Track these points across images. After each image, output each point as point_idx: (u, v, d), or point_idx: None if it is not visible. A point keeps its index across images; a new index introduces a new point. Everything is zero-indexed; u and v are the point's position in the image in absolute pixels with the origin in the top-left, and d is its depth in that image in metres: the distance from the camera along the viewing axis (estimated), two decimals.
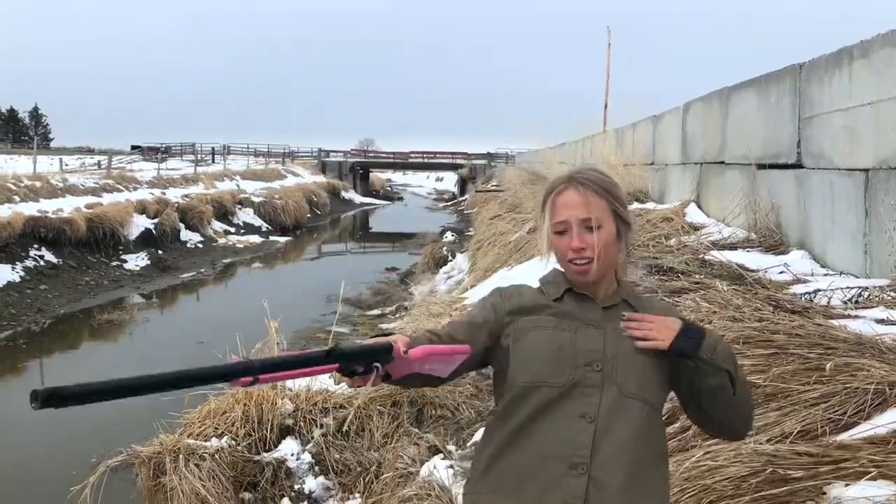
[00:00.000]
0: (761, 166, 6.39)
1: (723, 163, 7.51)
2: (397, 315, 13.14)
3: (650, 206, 9.31)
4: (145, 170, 32.89)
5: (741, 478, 2.28)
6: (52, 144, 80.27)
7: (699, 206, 8.08)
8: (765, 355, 3.02)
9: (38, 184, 20.98)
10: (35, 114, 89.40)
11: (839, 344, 2.99)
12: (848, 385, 2.60)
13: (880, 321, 3.33)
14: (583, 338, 1.78)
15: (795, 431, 2.48)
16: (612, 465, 1.65)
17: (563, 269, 1.86)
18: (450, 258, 17.37)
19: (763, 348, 3.08)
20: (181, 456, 4.73)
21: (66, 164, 30.98)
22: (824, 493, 2.06)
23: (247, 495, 4.90)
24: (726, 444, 2.53)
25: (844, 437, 2.40)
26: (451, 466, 4.62)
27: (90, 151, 64.05)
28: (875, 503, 1.92)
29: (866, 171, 4.55)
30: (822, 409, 2.55)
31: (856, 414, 2.48)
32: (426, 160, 63.68)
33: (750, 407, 1.83)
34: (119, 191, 24.35)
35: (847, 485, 2.04)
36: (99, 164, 36.19)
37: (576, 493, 1.64)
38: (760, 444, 2.45)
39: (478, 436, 5.23)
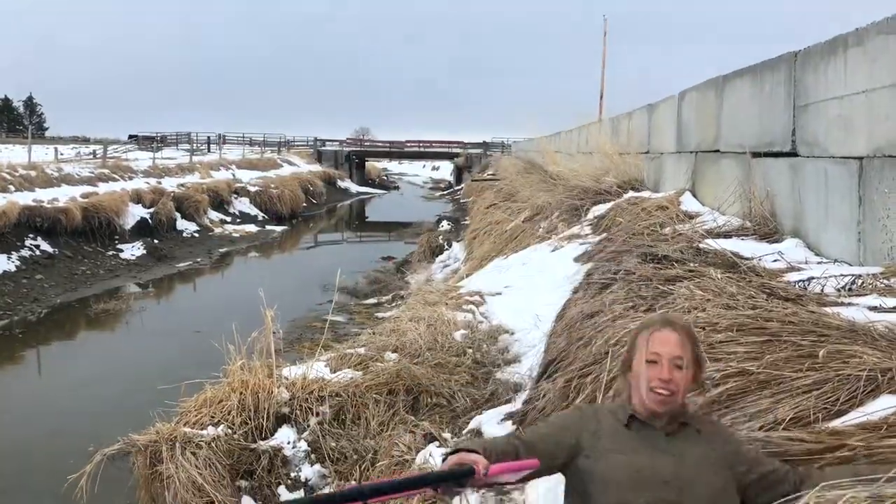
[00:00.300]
0: (756, 155, 6.39)
1: (718, 151, 7.51)
2: (393, 304, 13.16)
3: (645, 194, 9.32)
4: (141, 159, 32.81)
5: None
6: (47, 134, 79.90)
7: (694, 195, 8.09)
8: (758, 342, 3.04)
9: (33, 173, 20.91)
10: (29, 103, 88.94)
11: (832, 331, 3.00)
12: (840, 372, 2.61)
13: (873, 308, 3.34)
14: (658, 462, 2.07)
15: (788, 418, 2.49)
16: None
17: (636, 398, 2.18)
18: (446, 247, 17.39)
19: (756, 335, 3.09)
20: (178, 444, 4.74)
21: (62, 154, 30.86)
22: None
23: (243, 483, 4.92)
24: None
25: (837, 423, 2.42)
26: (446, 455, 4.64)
27: (86, 141, 63.75)
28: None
29: (860, 159, 4.56)
30: (814, 395, 2.56)
31: (848, 401, 2.50)
32: (422, 149, 63.56)
33: None
34: (115, 180, 24.28)
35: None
36: (94, 153, 36.06)
37: None
38: (753, 430, 2.47)
39: (473, 423, 5.25)
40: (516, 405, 5.24)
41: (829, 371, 2.65)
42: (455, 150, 59.29)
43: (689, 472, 2.04)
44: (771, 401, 2.62)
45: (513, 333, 7.53)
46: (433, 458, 4.49)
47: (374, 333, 7.53)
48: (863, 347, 2.76)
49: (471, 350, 7.04)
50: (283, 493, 4.99)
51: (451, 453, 2.11)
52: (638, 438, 2.14)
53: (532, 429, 2.36)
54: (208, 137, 56.38)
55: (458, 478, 1.96)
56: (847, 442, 2.26)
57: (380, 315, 11.82)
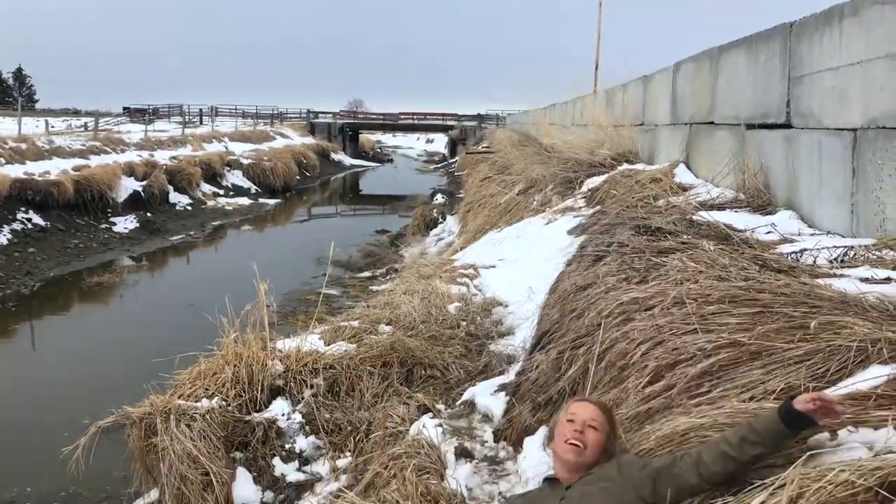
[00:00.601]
0: (750, 126, 6.37)
1: (712, 123, 7.48)
2: (388, 277, 13.17)
3: (639, 166, 9.30)
4: (133, 132, 32.56)
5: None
6: (37, 106, 79.10)
7: (688, 167, 8.07)
8: (750, 314, 3.04)
9: (23, 146, 20.75)
10: (19, 74, 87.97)
11: (824, 302, 3.01)
12: (831, 343, 2.62)
13: (865, 280, 3.35)
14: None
15: (779, 389, 2.50)
16: None
17: (554, 461, 2.69)
18: (440, 220, 17.37)
19: (749, 307, 3.10)
20: (172, 416, 4.76)
21: (52, 126, 30.58)
22: (806, 448, 2.10)
23: (238, 455, 4.95)
24: (710, 405, 2.57)
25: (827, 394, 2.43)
26: (440, 425, 4.67)
27: (76, 113, 63.20)
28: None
29: (855, 130, 4.54)
30: (805, 366, 2.58)
31: (838, 371, 2.51)
32: (416, 122, 63.24)
33: None
34: (107, 153, 24.12)
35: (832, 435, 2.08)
36: (86, 125, 35.75)
37: None
38: (744, 401, 2.48)
39: (467, 395, 5.28)
40: (509, 377, 5.27)
41: (821, 342, 2.66)
42: (449, 123, 59.01)
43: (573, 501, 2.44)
44: (762, 372, 2.64)
45: (506, 306, 7.56)
46: (427, 429, 4.52)
47: (368, 306, 7.55)
48: (854, 318, 2.77)
49: (465, 322, 7.06)
50: (278, 465, 5.02)
51: None
52: (548, 490, 2.64)
53: None
54: (200, 110, 55.94)
55: None
56: None
57: (374, 288, 11.84)
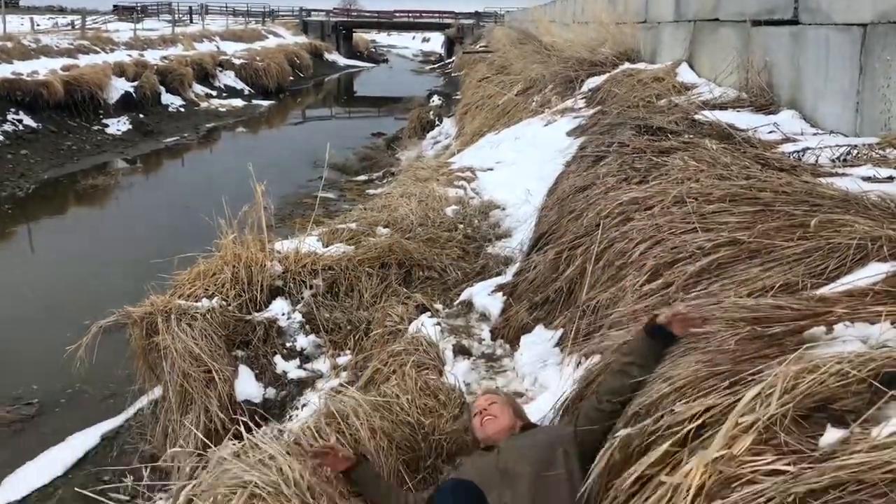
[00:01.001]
0: (756, 23, 6.19)
1: (717, 20, 7.27)
2: (384, 181, 13.09)
3: (641, 66, 9.09)
4: (121, 30, 31.61)
5: (722, 333, 2.34)
6: (21, 3, 76.51)
7: (691, 66, 7.89)
8: (750, 212, 3.03)
9: (9, 44, 20.18)
10: None
11: (825, 201, 3.00)
12: (831, 241, 2.62)
13: (867, 178, 3.32)
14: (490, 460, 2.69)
15: (777, 286, 2.52)
16: None
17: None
18: (437, 123, 17.14)
19: (749, 205, 3.09)
20: (172, 316, 4.80)
21: (38, 24, 29.70)
22: (802, 342, 2.12)
23: (239, 353, 5.03)
24: (709, 298, 2.58)
25: (824, 290, 2.44)
26: (439, 324, 4.73)
27: (62, 11, 61.26)
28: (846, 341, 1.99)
29: (864, 25, 4.41)
30: (804, 264, 2.58)
31: (837, 268, 2.52)
32: (412, 20, 61.43)
33: None
34: (95, 52, 23.52)
35: (828, 329, 2.10)
36: (73, 24, 34.68)
37: None
38: (741, 297, 2.50)
39: (464, 295, 5.33)
40: (507, 277, 5.31)
41: (821, 240, 2.65)
42: (446, 21, 57.36)
43: (512, 455, 2.61)
44: (760, 269, 2.64)
45: (504, 209, 7.54)
46: (425, 327, 4.58)
47: (365, 209, 7.53)
48: (855, 217, 2.76)
49: (462, 225, 7.06)
50: (279, 362, 5.11)
51: None
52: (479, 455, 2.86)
53: None
54: (190, 7, 54.19)
55: None
56: (833, 309, 2.29)
57: (371, 192, 11.77)
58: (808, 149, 4.00)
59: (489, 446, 2.81)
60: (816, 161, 3.83)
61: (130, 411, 5.51)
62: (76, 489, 4.64)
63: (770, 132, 4.71)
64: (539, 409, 3.31)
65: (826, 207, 2.93)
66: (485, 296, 5.12)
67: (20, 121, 16.67)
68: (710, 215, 3.13)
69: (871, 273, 2.41)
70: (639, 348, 2.44)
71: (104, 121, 19.33)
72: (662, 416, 2.25)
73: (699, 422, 2.13)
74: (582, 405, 2.65)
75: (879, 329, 2.11)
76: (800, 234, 2.76)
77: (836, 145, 3.93)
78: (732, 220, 3.03)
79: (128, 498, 3.98)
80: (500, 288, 5.10)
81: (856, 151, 3.81)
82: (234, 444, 2.88)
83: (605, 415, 2.47)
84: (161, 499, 3.25)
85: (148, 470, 3.17)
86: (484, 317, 4.98)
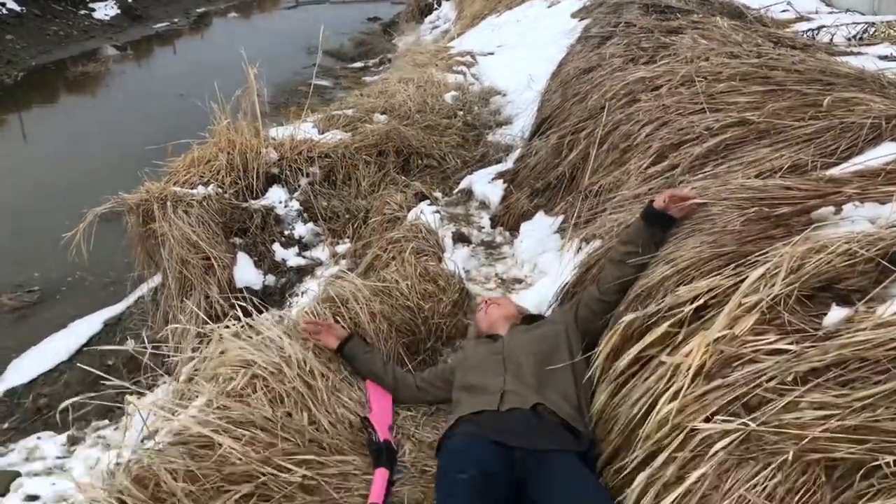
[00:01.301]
0: None
1: None
2: (381, 68, 12.75)
3: None
4: None
5: (729, 214, 2.29)
6: None
7: None
8: (761, 92, 2.93)
9: None
10: None
11: (839, 79, 2.89)
12: (844, 120, 2.53)
13: (884, 57, 3.20)
14: (493, 348, 2.67)
15: (785, 167, 2.45)
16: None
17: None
18: (435, 6, 16.57)
19: (760, 85, 2.98)
20: (168, 203, 4.73)
21: None
22: (809, 223, 2.07)
23: (237, 240, 4.99)
24: (715, 180, 2.52)
25: (834, 171, 2.38)
26: (438, 212, 4.68)
27: None
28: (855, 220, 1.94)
29: None
30: (814, 144, 2.51)
31: (848, 148, 2.45)
32: None
33: None
34: None
35: (836, 209, 2.05)
36: None
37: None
38: (749, 178, 2.43)
39: (464, 183, 5.26)
40: (507, 164, 5.23)
41: (833, 119, 2.57)
42: None
43: (515, 343, 2.60)
44: (769, 150, 2.57)
45: (505, 95, 7.36)
46: (424, 215, 4.53)
47: (361, 95, 7.34)
48: (870, 95, 2.67)
49: (462, 112, 6.91)
50: (278, 250, 5.09)
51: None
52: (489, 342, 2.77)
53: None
54: None
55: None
56: (842, 189, 2.24)
57: (367, 79, 11.48)
58: (822, 27, 3.85)
59: (492, 335, 2.77)
60: (831, 40, 3.68)
61: (131, 298, 5.53)
62: (81, 366, 4.70)
63: (783, 10, 4.52)
64: (538, 295, 3.30)
65: (840, 86, 2.82)
66: (485, 183, 5.05)
67: (3, 4, 16.06)
68: (719, 95, 3.03)
69: (883, 153, 2.33)
70: (637, 236, 2.41)
71: (91, 4, 18.63)
72: (664, 298, 2.23)
73: (701, 302, 2.11)
74: (582, 294, 2.64)
75: (890, 209, 2.06)
76: (811, 114, 2.67)
77: (853, 23, 3.77)
78: (742, 99, 2.93)
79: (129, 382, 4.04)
80: (500, 175, 5.03)
81: (873, 30, 3.66)
82: (234, 324, 2.88)
83: (606, 305, 2.48)
84: (162, 375, 3.30)
85: (150, 349, 3.18)
86: (484, 205, 4.93)
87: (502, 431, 2.22)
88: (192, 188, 4.98)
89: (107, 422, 4.16)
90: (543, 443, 2.19)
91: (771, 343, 1.83)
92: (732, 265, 2.14)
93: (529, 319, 2.86)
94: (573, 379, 2.43)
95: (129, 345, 4.35)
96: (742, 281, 2.01)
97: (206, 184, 5.05)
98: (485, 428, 2.26)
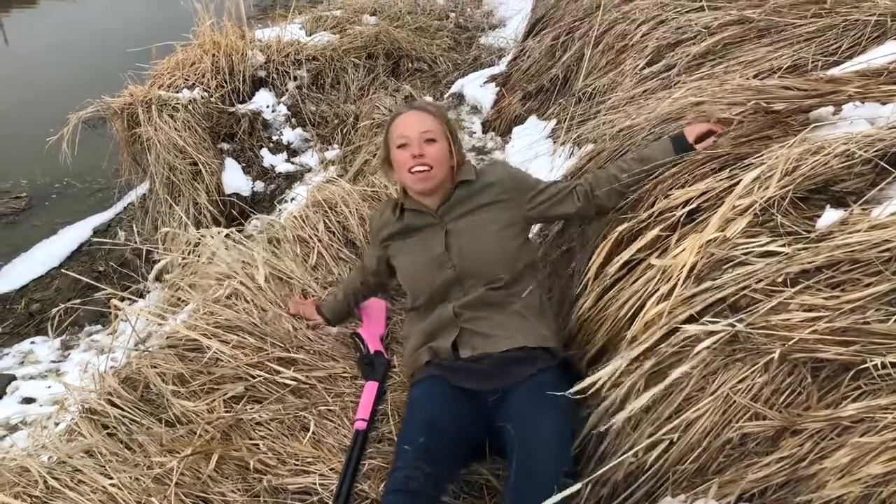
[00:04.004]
0: None
1: None
2: None
3: None
4: None
5: (726, 107, 2.23)
6: None
7: None
8: None
9: None
10: None
11: None
12: (848, 17, 2.44)
13: None
14: (431, 248, 2.20)
15: (785, 66, 2.38)
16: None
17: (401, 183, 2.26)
18: None
19: None
20: (153, 107, 4.63)
21: None
22: (807, 123, 2.02)
23: (225, 146, 4.92)
24: (711, 80, 2.45)
25: (835, 71, 2.31)
26: None
27: None
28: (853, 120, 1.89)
29: None
30: (816, 43, 2.42)
31: (851, 48, 2.36)
32: None
33: None
34: None
35: (835, 109, 1.99)
36: None
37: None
38: (747, 78, 2.36)
39: (455, 87, 5.14)
40: (500, 67, 5.10)
41: (836, 17, 2.47)
42: None
43: (459, 241, 2.18)
44: (769, 49, 2.49)
45: None
46: None
47: None
48: None
49: (453, 14, 6.73)
50: (267, 156, 5.02)
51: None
52: (410, 229, 2.27)
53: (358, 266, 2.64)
54: None
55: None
56: (842, 88, 2.17)
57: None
58: None
59: (419, 209, 2.26)
60: None
61: (119, 205, 5.48)
62: (72, 273, 4.70)
63: None
64: None
65: None
66: (476, 87, 4.94)
67: None
68: None
69: (887, 52, 2.25)
70: (659, 157, 2.19)
71: None
72: (655, 202, 2.19)
73: (694, 206, 2.08)
74: (573, 187, 2.27)
75: (891, 109, 2.00)
76: (814, 12, 2.57)
77: None
78: None
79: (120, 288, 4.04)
80: (492, 78, 4.91)
81: None
82: (221, 231, 2.85)
83: (593, 206, 2.27)
84: (154, 284, 3.29)
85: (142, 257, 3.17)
86: (475, 109, 4.84)
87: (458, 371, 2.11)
88: (177, 92, 4.87)
89: (99, 327, 4.18)
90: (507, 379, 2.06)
91: (762, 245, 1.81)
92: (727, 169, 2.10)
93: (463, 179, 2.26)
94: (538, 296, 2.22)
95: (121, 237, 4.34)
96: (736, 184, 1.98)
97: (191, 87, 4.93)
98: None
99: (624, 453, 1.76)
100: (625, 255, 2.17)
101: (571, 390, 1.89)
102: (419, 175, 2.15)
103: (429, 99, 5.23)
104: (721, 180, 2.05)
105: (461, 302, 2.15)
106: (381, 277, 2.48)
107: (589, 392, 1.90)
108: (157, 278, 2.83)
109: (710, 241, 1.90)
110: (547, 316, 2.20)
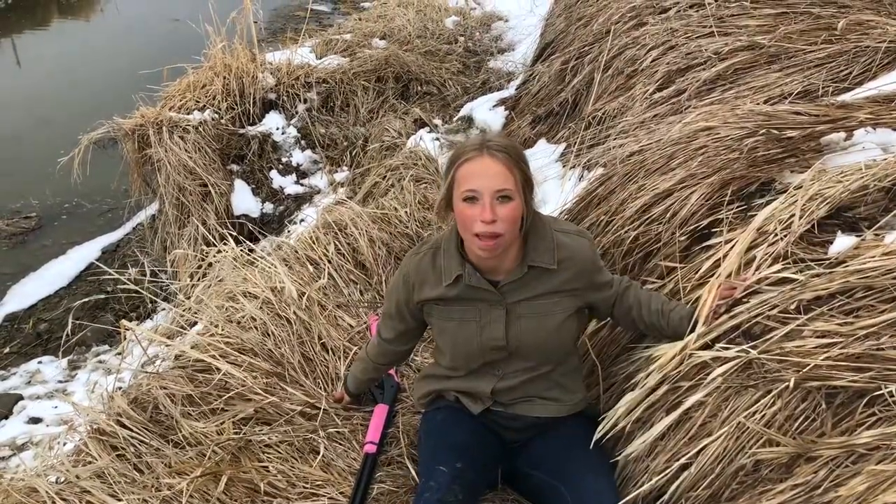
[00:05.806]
0: None
1: None
2: None
3: None
4: None
5: (736, 139, 2.23)
6: None
7: None
8: (773, 15, 2.83)
9: None
10: None
11: (855, 2, 2.78)
12: (858, 44, 2.45)
13: None
14: (487, 326, 1.91)
15: (795, 92, 2.38)
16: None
17: (461, 240, 1.88)
18: None
19: (771, 7, 2.87)
20: (164, 128, 4.66)
21: None
22: (818, 150, 2.02)
23: (235, 167, 4.94)
24: (722, 105, 2.45)
25: (846, 97, 2.31)
26: (437, 139, 4.61)
27: None
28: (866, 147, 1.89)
29: None
30: (826, 69, 2.43)
31: (861, 74, 2.37)
32: None
33: None
34: None
35: (847, 135, 1.99)
36: None
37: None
38: (758, 104, 2.37)
39: (465, 110, 5.16)
40: (509, 91, 5.12)
41: (847, 43, 2.49)
42: None
43: (519, 328, 1.90)
44: (779, 75, 2.50)
45: (507, 20, 7.21)
46: (424, 141, 4.46)
47: (360, 20, 7.19)
48: (886, 18, 2.58)
49: (462, 38, 6.77)
50: (276, 178, 5.04)
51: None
52: (466, 300, 1.91)
53: (378, 323, 2.23)
54: None
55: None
56: (853, 114, 2.18)
57: (366, 4, 11.20)
58: None
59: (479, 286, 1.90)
60: None
61: (129, 225, 5.50)
62: (80, 293, 4.71)
63: None
64: None
65: (856, 9, 2.73)
66: (485, 110, 4.96)
67: None
68: (729, 18, 2.93)
69: None
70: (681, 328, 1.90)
71: None
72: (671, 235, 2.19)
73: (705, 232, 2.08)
74: (619, 298, 1.98)
75: None
76: (824, 38, 2.58)
77: None
78: (753, 23, 2.83)
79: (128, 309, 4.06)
80: (501, 102, 4.93)
81: None
82: (233, 249, 2.86)
83: (618, 318, 2.04)
84: (161, 301, 3.30)
85: (149, 277, 3.17)
86: (484, 133, 4.86)
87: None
88: (187, 113, 4.90)
89: (107, 347, 4.19)
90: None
91: (776, 273, 1.80)
92: (737, 200, 2.09)
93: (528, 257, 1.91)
94: (577, 369, 2.09)
95: (129, 273, 4.34)
96: (749, 215, 1.97)
97: (202, 109, 4.97)
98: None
99: (641, 482, 1.75)
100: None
101: (598, 437, 1.91)
102: (487, 244, 1.76)
103: (436, 121, 5.26)
104: (734, 211, 2.05)
105: (503, 385, 1.98)
106: (410, 342, 2.18)
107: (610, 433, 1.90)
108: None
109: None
110: (580, 375, 2.10)
